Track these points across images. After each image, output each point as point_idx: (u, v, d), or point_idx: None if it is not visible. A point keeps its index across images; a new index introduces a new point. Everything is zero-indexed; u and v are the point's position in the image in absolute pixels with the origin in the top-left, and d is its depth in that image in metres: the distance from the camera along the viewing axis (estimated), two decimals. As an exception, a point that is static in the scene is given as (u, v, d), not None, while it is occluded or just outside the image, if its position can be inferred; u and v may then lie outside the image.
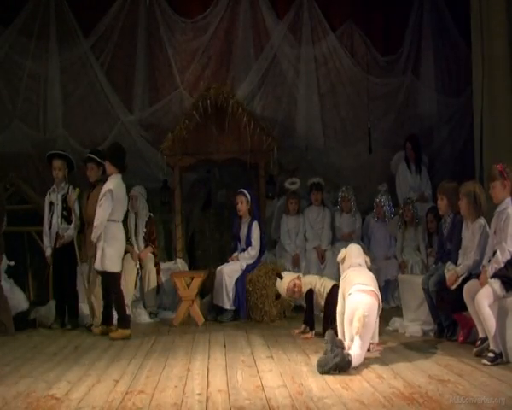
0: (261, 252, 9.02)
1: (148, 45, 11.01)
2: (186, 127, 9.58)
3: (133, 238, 9.29)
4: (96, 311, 8.14)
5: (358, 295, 5.76)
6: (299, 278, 7.50)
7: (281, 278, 7.59)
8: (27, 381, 5.55)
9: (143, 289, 9.19)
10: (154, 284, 9.18)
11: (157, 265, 9.35)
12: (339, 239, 9.87)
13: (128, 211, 9.35)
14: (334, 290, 6.97)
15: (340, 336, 5.99)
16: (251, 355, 6.32)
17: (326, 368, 5.39)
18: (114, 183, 7.82)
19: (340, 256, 6.51)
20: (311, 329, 7.23)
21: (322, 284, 7.33)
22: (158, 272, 9.31)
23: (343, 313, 5.96)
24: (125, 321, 7.74)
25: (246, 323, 8.46)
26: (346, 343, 5.69)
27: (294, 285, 7.42)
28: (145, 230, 9.38)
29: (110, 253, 7.76)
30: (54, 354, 6.73)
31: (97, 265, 7.78)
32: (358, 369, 5.48)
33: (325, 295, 7.22)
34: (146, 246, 9.33)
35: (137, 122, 10.84)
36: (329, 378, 5.23)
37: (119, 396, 4.94)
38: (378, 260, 9.62)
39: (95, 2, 10.78)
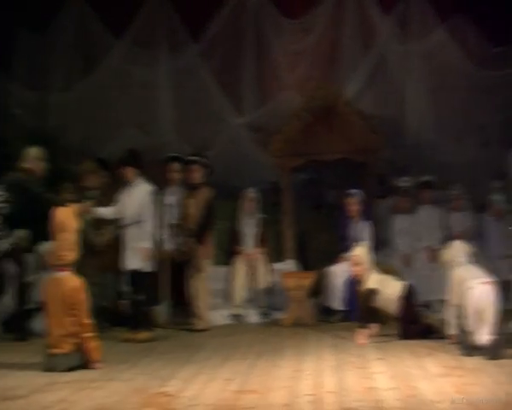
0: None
1: (256, 48, 11.12)
2: (295, 128, 9.61)
3: (245, 239, 9.42)
4: None
5: (484, 289, 6.11)
6: (366, 268, 7.47)
7: None
8: (142, 377, 5.72)
9: (255, 290, 9.30)
10: (265, 284, 9.27)
11: (268, 265, 9.43)
12: (451, 238, 9.59)
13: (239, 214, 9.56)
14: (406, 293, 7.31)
15: (451, 330, 6.39)
16: (361, 356, 6.26)
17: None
18: None
19: (445, 257, 6.91)
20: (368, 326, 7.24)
21: (388, 286, 7.41)
22: (269, 273, 9.39)
23: (459, 306, 6.21)
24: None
25: (356, 324, 8.38)
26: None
27: (356, 265, 7.49)
28: (256, 230, 9.49)
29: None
30: (162, 353, 6.87)
31: (137, 265, 7.82)
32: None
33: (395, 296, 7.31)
34: (257, 247, 9.44)
35: (246, 124, 10.96)
36: (443, 382, 5.11)
37: (231, 395, 5.01)
38: (494, 259, 9.30)
39: (203, 8, 10.97)
